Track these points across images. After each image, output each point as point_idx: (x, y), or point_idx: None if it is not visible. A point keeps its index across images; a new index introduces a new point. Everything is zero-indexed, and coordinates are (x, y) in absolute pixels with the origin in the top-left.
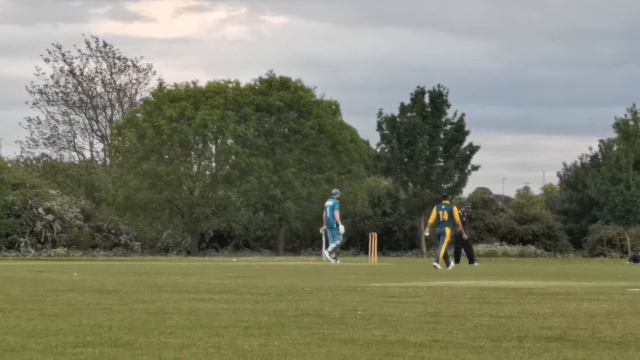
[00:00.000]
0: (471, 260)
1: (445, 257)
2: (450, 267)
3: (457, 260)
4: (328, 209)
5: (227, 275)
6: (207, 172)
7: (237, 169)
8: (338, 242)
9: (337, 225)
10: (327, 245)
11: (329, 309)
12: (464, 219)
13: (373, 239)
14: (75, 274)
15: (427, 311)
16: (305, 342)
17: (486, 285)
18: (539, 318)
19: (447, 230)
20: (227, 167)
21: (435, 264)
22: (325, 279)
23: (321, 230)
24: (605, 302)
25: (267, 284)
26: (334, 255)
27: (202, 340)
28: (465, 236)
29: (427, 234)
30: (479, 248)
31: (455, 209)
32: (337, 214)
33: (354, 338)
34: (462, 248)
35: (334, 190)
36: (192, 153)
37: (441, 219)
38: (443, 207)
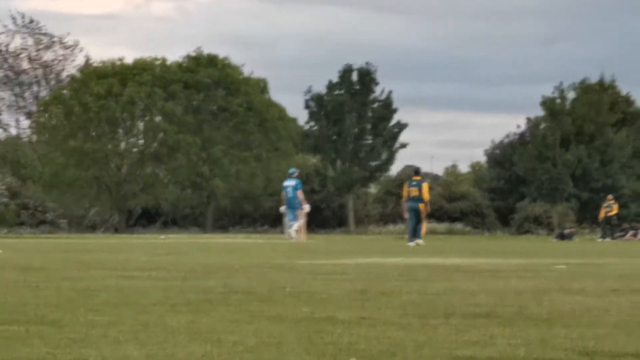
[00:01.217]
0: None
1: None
2: (413, 243)
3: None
4: (290, 189)
5: (155, 253)
6: (135, 149)
7: (165, 146)
8: (302, 220)
9: (302, 204)
10: (288, 225)
11: (257, 286)
12: None
13: (302, 216)
14: (0, 251)
15: (355, 288)
16: (234, 320)
17: (414, 262)
18: (466, 295)
19: (421, 206)
20: (155, 144)
21: (418, 240)
22: (254, 257)
23: (281, 210)
24: (532, 279)
25: (195, 261)
26: (295, 234)
27: (130, 318)
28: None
29: (405, 216)
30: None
31: (425, 185)
32: (300, 193)
33: (282, 315)
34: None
35: (292, 170)
36: (120, 130)
37: (412, 195)
38: (414, 183)
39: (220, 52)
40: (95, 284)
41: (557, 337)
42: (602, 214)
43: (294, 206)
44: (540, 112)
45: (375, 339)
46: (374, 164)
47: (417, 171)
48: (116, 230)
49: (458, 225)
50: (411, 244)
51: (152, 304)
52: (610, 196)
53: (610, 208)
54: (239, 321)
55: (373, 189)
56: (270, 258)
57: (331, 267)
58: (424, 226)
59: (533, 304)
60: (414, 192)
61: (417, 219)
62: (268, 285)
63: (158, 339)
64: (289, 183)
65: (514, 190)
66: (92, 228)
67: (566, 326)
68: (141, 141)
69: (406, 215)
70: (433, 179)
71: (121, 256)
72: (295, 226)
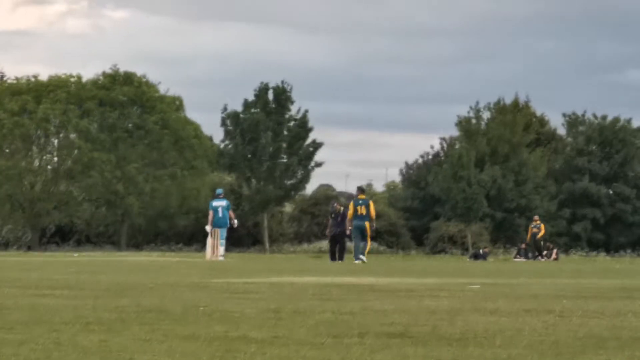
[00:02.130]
0: (341, 257)
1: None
2: (359, 261)
3: (341, 257)
4: (220, 210)
5: (68, 271)
6: (49, 167)
7: (80, 164)
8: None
9: (232, 222)
10: (211, 245)
11: (170, 305)
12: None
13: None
14: None
15: (269, 307)
16: (147, 339)
17: (328, 281)
18: (380, 314)
19: (367, 225)
20: (70, 161)
21: (361, 257)
22: (168, 275)
23: (207, 229)
24: (445, 298)
25: (108, 279)
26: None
27: (42, 337)
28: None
29: (348, 231)
30: (322, 245)
31: (372, 203)
32: (232, 213)
33: (196, 334)
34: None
35: (219, 190)
36: (34, 147)
37: (359, 213)
38: (360, 201)
39: (137, 70)
40: (7, 302)
41: (471, 357)
42: (529, 236)
43: (223, 225)
44: (454, 132)
45: (288, 358)
46: (289, 182)
47: (362, 190)
48: (29, 248)
49: (373, 245)
50: (357, 261)
51: (64, 322)
52: (536, 217)
53: (537, 229)
54: (151, 340)
55: (288, 207)
56: (184, 277)
57: (245, 286)
58: (369, 244)
59: (446, 324)
60: (361, 210)
61: (363, 236)
62: (182, 304)
63: (70, 358)
64: (219, 203)
65: (428, 209)
66: (5, 245)
67: (480, 346)
68: (55, 158)
69: (348, 229)
70: (348, 198)
71: (34, 274)
72: (223, 249)
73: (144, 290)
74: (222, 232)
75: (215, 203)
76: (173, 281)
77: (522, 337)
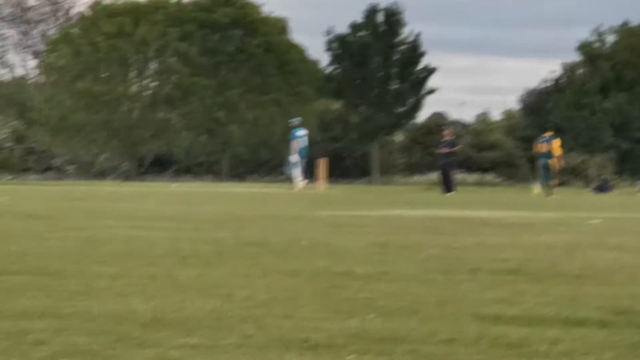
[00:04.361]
0: (450, 188)
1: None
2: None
3: (449, 189)
4: (306, 138)
5: (165, 202)
6: (147, 93)
7: (179, 90)
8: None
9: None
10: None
11: (272, 238)
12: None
13: (322, 165)
14: (3, 198)
15: (375, 241)
16: (245, 274)
17: (439, 215)
18: (494, 250)
19: (552, 162)
20: (169, 87)
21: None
22: (270, 207)
23: (294, 160)
24: (564, 233)
25: (207, 211)
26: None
27: (137, 270)
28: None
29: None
30: (433, 177)
31: (557, 140)
32: None
33: (297, 269)
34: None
35: (299, 119)
36: (131, 72)
37: (543, 151)
38: (545, 139)
39: None
40: (101, 234)
41: (589, 295)
42: None
43: (306, 156)
44: (576, 57)
45: (395, 295)
46: (400, 110)
47: (548, 129)
48: (127, 178)
49: (489, 177)
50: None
51: (160, 255)
52: None
53: None
54: (250, 275)
55: (399, 137)
56: (287, 208)
57: (351, 219)
58: (556, 181)
59: (565, 260)
60: (545, 147)
61: (549, 173)
62: (283, 237)
63: (166, 293)
64: (304, 132)
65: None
66: (102, 175)
67: (599, 283)
68: (154, 84)
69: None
70: (462, 126)
71: (130, 205)
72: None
73: (245, 222)
74: (306, 163)
75: (301, 132)
76: (275, 213)
77: None
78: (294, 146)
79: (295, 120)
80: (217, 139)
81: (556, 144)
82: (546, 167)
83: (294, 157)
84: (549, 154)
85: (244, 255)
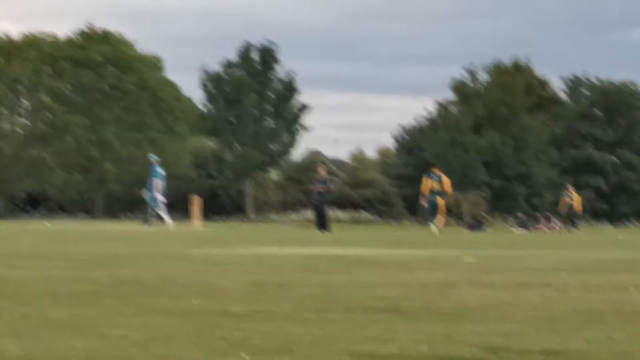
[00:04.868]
0: (325, 226)
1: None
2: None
3: (324, 226)
4: (163, 177)
5: (39, 240)
6: (20, 130)
7: (53, 127)
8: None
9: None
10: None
11: (147, 276)
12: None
13: (196, 203)
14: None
15: (251, 280)
16: (120, 312)
17: (314, 253)
18: (369, 288)
19: (440, 199)
20: (42, 125)
21: (432, 224)
22: (145, 245)
23: (161, 198)
24: (439, 271)
25: (81, 249)
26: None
27: (7, 310)
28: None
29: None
30: (307, 214)
31: (445, 178)
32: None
33: (173, 308)
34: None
35: (155, 156)
36: (4, 109)
37: (433, 188)
38: (434, 176)
39: (111, 26)
40: None
41: (463, 333)
42: (563, 205)
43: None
44: (449, 95)
45: (269, 333)
46: (275, 147)
47: (435, 165)
48: None
49: (363, 214)
50: (433, 228)
51: (33, 295)
52: (569, 185)
53: (571, 198)
54: (125, 314)
55: (273, 174)
56: (162, 247)
57: (226, 257)
58: (443, 218)
59: (439, 298)
60: (435, 185)
61: (436, 211)
62: (159, 275)
63: (37, 333)
64: (163, 172)
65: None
66: None
67: (473, 321)
68: (27, 121)
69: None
70: (337, 164)
71: (2, 244)
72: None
73: (119, 261)
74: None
75: (161, 170)
76: (150, 251)
77: (518, 312)
78: (157, 185)
79: (155, 157)
80: (91, 176)
81: (447, 181)
82: (435, 205)
83: (159, 196)
84: (439, 192)
85: (119, 294)
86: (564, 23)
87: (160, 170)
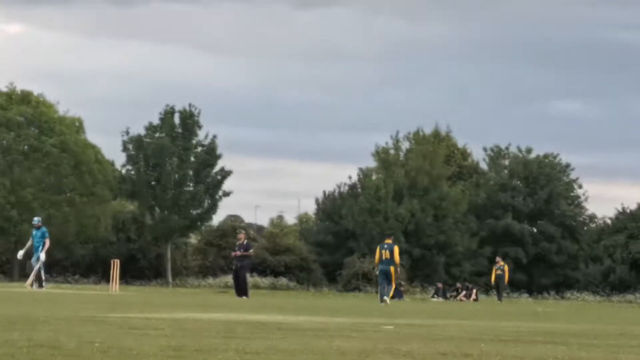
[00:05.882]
0: (244, 291)
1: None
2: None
3: (244, 293)
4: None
5: None
6: None
7: None
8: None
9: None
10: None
11: (64, 340)
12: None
13: (115, 266)
14: None
15: (169, 345)
16: None
17: (234, 319)
18: (286, 355)
19: (392, 269)
20: None
21: (385, 298)
22: (62, 308)
23: (40, 259)
24: (357, 339)
25: None
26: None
27: None
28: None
29: (377, 272)
30: (228, 279)
31: (396, 248)
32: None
33: None
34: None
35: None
36: None
37: (384, 258)
38: (385, 246)
39: (33, 88)
40: None
41: None
42: (493, 278)
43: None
44: (371, 162)
45: None
46: (195, 212)
47: (389, 235)
48: None
49: (282, 280)
50: (382, 304)
51: None
52: (499, 258)
53: (501, 271)
54: None
55: (193, 239)
56: (80, 310)
57: (145, 322)
58: (393, 287)
59: None
60: (386, 254)
61: (389, 280)
62: (76, 339)
63: None
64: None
65: (342, 244)
66: None
67: None
68: None
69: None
70: (257, 229)
71: None
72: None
73: (36, 324)
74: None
75: (45, 232)
76: (68, 315)
77: None
78: (45, 246)
79: (39, 220)
80: (9, 237)
81: (397, 251)
82: (386, 275)
83: (43, 256)
84: (390, 261)
85: (36, 357)
86: (487, 95)
87: (45, 232)
